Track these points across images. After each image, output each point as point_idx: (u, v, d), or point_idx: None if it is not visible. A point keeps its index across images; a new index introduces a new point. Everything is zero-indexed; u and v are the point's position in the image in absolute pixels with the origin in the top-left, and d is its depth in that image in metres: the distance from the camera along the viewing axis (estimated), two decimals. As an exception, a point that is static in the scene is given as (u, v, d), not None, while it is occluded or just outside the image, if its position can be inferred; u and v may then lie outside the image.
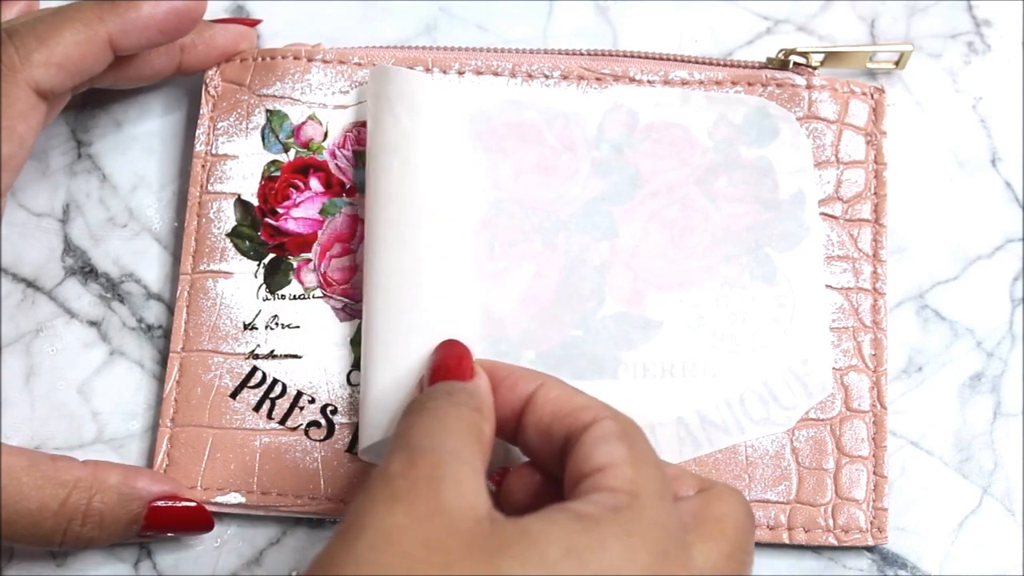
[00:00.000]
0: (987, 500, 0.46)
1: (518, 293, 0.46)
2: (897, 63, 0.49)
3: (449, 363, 0.39)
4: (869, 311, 0.46)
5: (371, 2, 0.51)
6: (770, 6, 0.51)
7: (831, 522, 0.44)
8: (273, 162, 0.48)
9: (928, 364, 0.47)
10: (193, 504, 0.43)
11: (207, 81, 0.48)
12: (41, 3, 0.48)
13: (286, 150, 0.48)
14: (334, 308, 0.46)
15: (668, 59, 0.48)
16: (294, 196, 0.47)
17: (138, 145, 0.50)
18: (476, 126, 0.47)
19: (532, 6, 0.51)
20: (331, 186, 0.47)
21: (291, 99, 0.48)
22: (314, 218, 0.47)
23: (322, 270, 0.46)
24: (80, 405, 0.47)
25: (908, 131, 0.49)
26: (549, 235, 0.46)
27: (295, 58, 0.48)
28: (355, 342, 0.46)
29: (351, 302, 0.46)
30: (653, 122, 0.47)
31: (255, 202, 0.47)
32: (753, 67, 0.48)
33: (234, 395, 0.45)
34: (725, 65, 0.48)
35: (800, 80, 0.48)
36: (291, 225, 0.47)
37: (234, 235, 0.47)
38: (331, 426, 0.45)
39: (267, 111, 0.48)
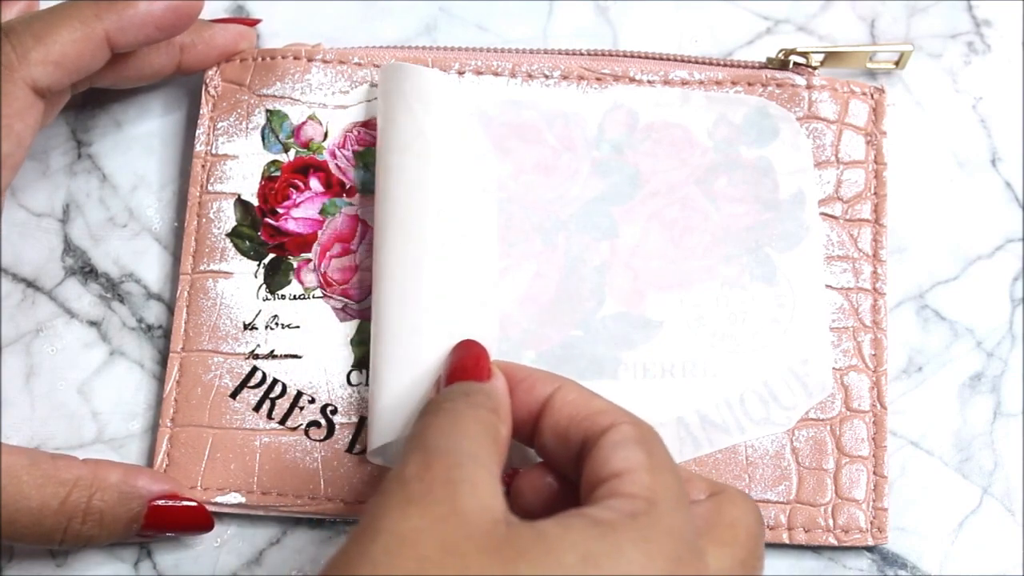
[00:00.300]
0: (987, 500, 0.46)
1: (518, 293, 0.46)
2: (897, 63, 0.49)
3: (467, 364, 0.39)
4: (869, 311, 0.46)
5: (371, 2, 0.51)
6: (770, 6, 0.51)
7: (831, 522, 0.44)
8: (273, 162, 0.48)
9: (928, 364, 0.47)
10: (193, 504, 0.43)
11: (207, 81, 0.48)
12: (41, 3, 0.48)
13: (286, 150, 0.48)
14: (334, 308, 0.46)
15: (668, 59, 0.48)
16: (294, 196, 0.47)
17: (138, 145, 0.50)
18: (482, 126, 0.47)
19: (532, 6, 0.51)
20: (331, 186, 0.47)
21: (291, 99, 0.48)
22: (314, 218, 0.47)
23: (322, 270, 0.46)
24: (80, 405, 0.47)
25: (908, 131, 0.49)
26: (549, 235, 0.46)
27: (295, 58, 0.48)
28: (355, 342, 0.46)
29: (351, 302, 0.46)
30: (653, 122, 0.47)
31: (255, 202, 0.47)
32: (753, 67, 0.48)
33: (234, 395, 0.45)
34: (725, 65, 0.48)
35: (800, 80, 0.48)
36: (291, 225, 0.47)
37: (234, 235, 0.47)
38: (331, 426, 0.45)
39: (267, 111, 0.48)
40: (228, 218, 0.47)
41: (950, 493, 0.46)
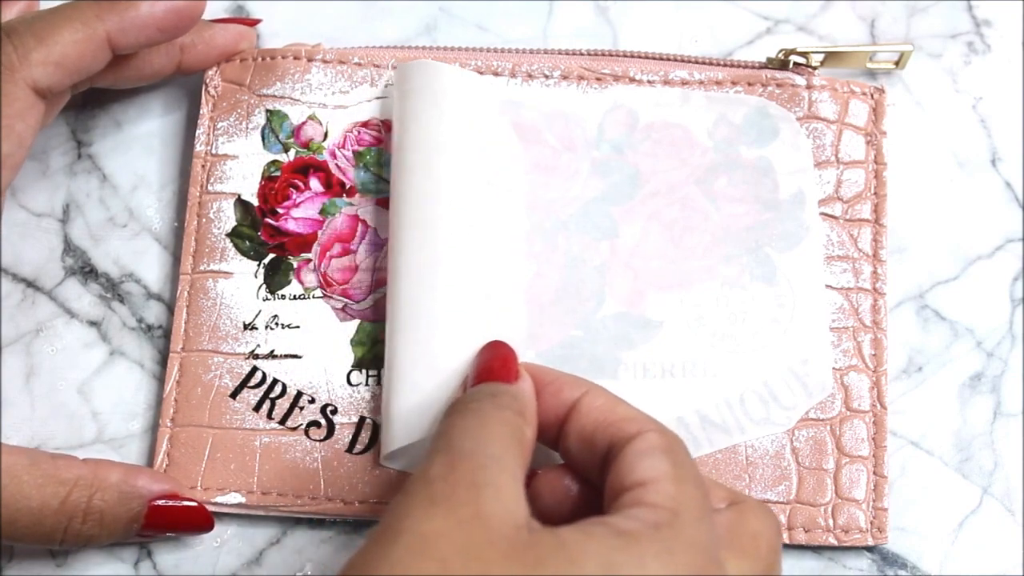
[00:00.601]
0: (987, 500, 0.46)
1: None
2: (897, 63, 0.49)
3: (494, 364, 0.39)
4: (869, 311, 0.46)
5: (371, 2, 0.51)
6: (770, 6, 0.51)
7: (831, 522, 0.44)
8: (273, 162, 0.48)
9: (928, 364, 0.47)
10: (194, 504, 0.43)
11: (207, 81, 0.48)
12: (41, 3, 0.48)
13: (286, 150, 0.48)
14: (334, 308, 0.46)
15: (668, 59, 0.48)
16: (294, 196, 0.47)
17: (138, 145, 0.50)
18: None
19: (532, 6, 0.51)
20: (331, 186, 0.47)
21: (291, 99, 0.48)
22: (314, 218, 0.47)
23: (322, 270, 0.46)
24: (80, 405, 0.47)
25: (908, 131, 0.49)
26: (549, 235, 0.46)
27: (295, 58, 0.48)
28: (355, 342, 0.46)
29: (351, 302, 0.46)
30: (653, 122, 0.47)
31: (255, 202, 0.47)
32: (753, 67, 0.48)
33: (234, 395, 0.45)
34: (725, 65, 0.48)
35: (800, 80, 0.48)
36: (291, 225, 0.47)
37: (234, 235, 0.47)
38: (331, 426, 0.45)
39: (267, 111, 0.48)
40: (228, 218, 0.47)
41: (950, 493, 0.46)
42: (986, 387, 0.47)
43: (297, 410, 0.45)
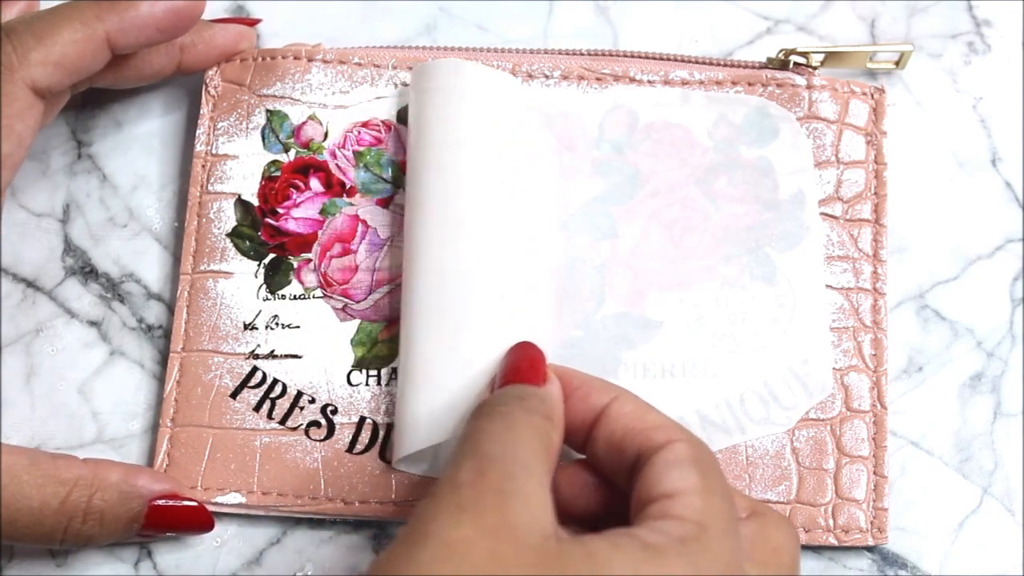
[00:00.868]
0: (987, 500, 0.46)
1: (518, 293, 0.46)
2: (897, 63, 0.49)
3: (522, 366, 0.39)
4: (869, 311, 0.46)
5: (371, 2, 0.51)
6: (770, 6, 0.51)
7: (831, 522, 0.44)
8: (273, 162, 0.48)
9: (928, 364, 0.47)
10: (194, 504, 0.43)
11: (207, 81, 0.48)
12: (42, 4, 0.48)
13: (286, 150, 0.48)
14: (334, 308, 0.46)
15: (668, 59, 0.48)
16: (294, 196, 0.47)
17: (138, 145, 0.50)
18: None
19: (532, 6, 0.51)
20: (331, 186, 0.47)
21: (291, 99, 0.48)
22: (314, 218, 0.47)
23: (322, 270, 0.46)
24: (80, 405, 0.47)
25: (908, 131, 0.49)
26: (549, 235, 0.46)
27: (295, 58, 0.48)
28: (355, 342, 0.46)
29: (351, 302, 0.46)
30: (653, 122, 0.47)
31: (255, 202, 0.47)
32: (753, 67, 0.48)
33: (234, 395, 0.45)
34: (725, 65, 0.48)
35: (800, 80, 0.48)
36: (291, 225, 0.47)
37: (234, 235, 0.47)
38: (331, 426, 0.45)
39: (267, 111, 0.48)
40: (228, 218, 0.47)
41: (950, 493, 0.46)
42: (986, 387, 0.47)
43: (297, 410, 0.45)
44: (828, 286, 0.46)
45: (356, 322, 0.46)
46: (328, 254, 0.47)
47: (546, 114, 0.47)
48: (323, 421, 0.45)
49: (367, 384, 0.45)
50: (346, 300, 0.46)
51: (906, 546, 0.45)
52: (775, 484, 0.44)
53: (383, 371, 0.45)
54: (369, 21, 0.51)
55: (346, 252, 0.47)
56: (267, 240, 0.47)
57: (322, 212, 0.47)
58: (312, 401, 0.45)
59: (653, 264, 0.46)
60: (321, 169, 0.47)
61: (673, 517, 0.33)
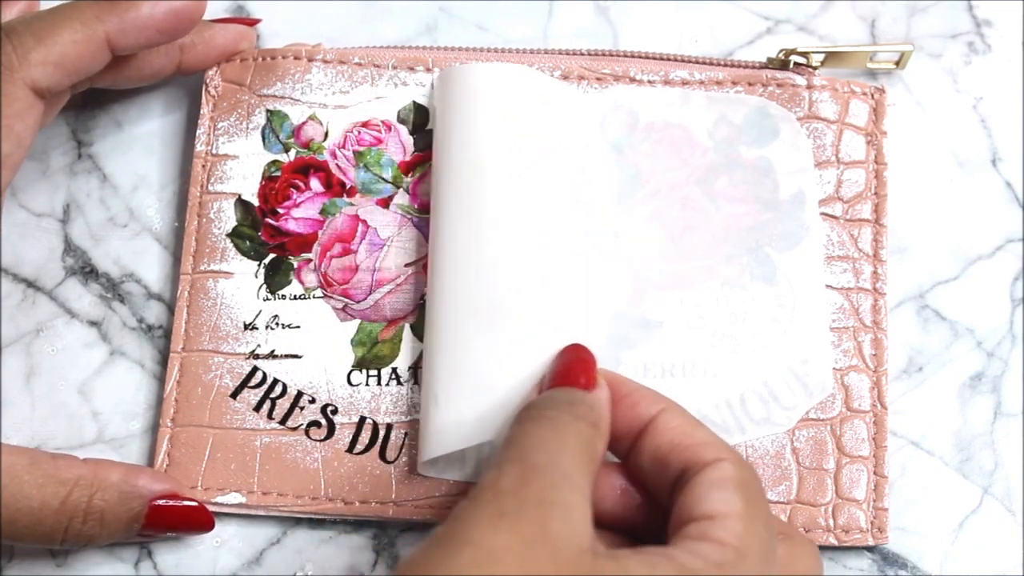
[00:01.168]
0: (987, 500, 0.46)
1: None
2: (897, 63, 0.49)
3: (574, 369, 0.39)
4: (869, 311, 0.46)
5: (371, 2, 0.51)
6: (770, 6, 0.51)
7: (831, 522, 0.44)
8: (273, 162, 0.48)
9: (928, 364, 0.47)
10: (194, 504, 0.43)
11: (207, 81, 0.48)
12: (42, 4, 0.48)
13: (286, 150, 0.48)
14: (335, 308, 0.46)
15: (668, 59, 0.48)
16: (294, 196, 0.47)
17: (138, 145, 0.50)
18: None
19: (532, 6, 0.51)
20: (331, 186, 0.47)
21: (291, 99, 0.48)
22: (314, 218, 0.47)
23: (322, 270, 0.46)
24: (80, 405, 0.47)
25: (908, 131, 0.49)
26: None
27: (295, 58, 0.48)
28: (355, 342, 0.46)
29: (351, 302, 0.46)
30: (653, 122, 0.47)
31: (255, 202, 0.47)
32: (753, 67, 0.48)
33: (234, 395, 0.45)
34: (725, 65, 0.48)
35: (800, 80, 0.48)
36: (291, 225, 0.47)
37: (234, 235, 0.47)
38: (331, 426, 0.45)
39: (267, 111, 0.48)
40: (228, 218, 0.47)
41: (950, 493, 0.46)
42: (986, 387, 0.47)
43: (297, 410, 0.45)
44: (828, 286, 0.46)
45: (356, 322, 0.46)
46: (328, 254, 0.47)
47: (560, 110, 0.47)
48: (323, 421, 0.45)
49: (367, 384, 0.45)
50: (346, 300, 0.46)
51: (906, 546, 0.45)
52: (775, 484, 0.44)
53: (383, 371, 0.45)
54: (369, 21, 0.51)
55: (346, 252, 0.47)
56: (267, 240, 0.47)
57: (322, 212, 0.47)
58: (312, 401, 0.45)
59: (653, 264, 0.46)
60: (321, 169, 0.47)
61: (712, 540, 0.33)
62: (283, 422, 0.45)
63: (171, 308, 0.48)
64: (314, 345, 0.46)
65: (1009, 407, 0.47)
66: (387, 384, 0.45)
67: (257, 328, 0.46)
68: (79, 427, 0.47)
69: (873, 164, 0.47)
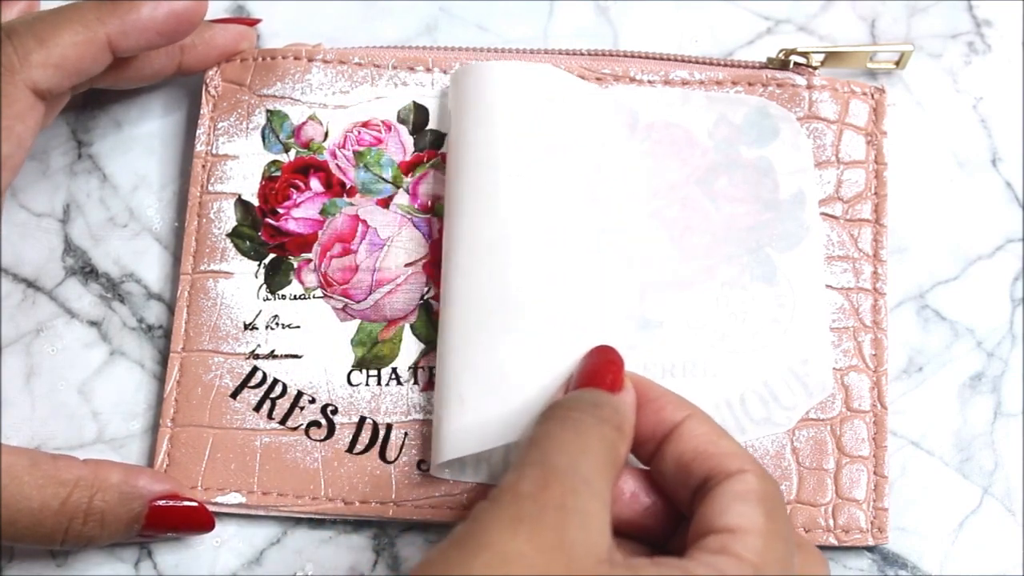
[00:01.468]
0: (987, 500, 0.46)
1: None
2: (897, 63, 0.49)
3: (601, 370, 0.38)
4: (869, 311, 0.46)
5: (371, 2, 0.51)
6: (770, 6, 0.51)
7: (831, 522, 0.44)
8: (273, 162, 0.48)
9: (928, 364, 0.47)
10: (194, 504, 0.43)
11: (207, 81, 0.48)
12: (42, 4, 0.48)
13: (286, 150, 0.48)
14: (335, 308, 0.46)
15: (668, 59, 0.48)
16: (294, 196, 0.47)
17: (138, 145, 0.50)
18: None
19: (532, 6, 0.51)
20: (331, 186, 0.47)
21: (291, 99, 0.48)
22: (314, 218, 0.47)
23: (322, 270, 0.46)
24: (80, 405, 0.47)
25: (908, 131, 0.49)
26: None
27: (295, 58, 0.48)
28: (355, 342, 0.46)
29: (351, 302, 0.46)
30: (653, 122, 0.47)
31: (255, 202, 0.47)
32: (753, 67, 0.48)
33: (234, 395, 0.45)
34: (725, 65, 0.48)
35: (800, 80, 0.48)
36: (291, 225, 0.47)
37: (234, 235, 0.47)
38: (331, 426, 0.45)
39: (267, 111, 0.48)
40: (228, 218, 0.47)
41: (950, 493, 0.46)
42: (986, 387, 0.47)
43: (297, 410, 0.45)
44: (828, 286, 0.46)
45: (356, 322, 0.46)
46: (328, 254, 0.47)
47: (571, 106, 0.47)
48: (323, 421, 0.45)
49: (367, 384, 0.45)
50: (346, 300, 0.46)
51: (906, 546, 0.46)
52: (775, 484, 0.44)
53: (383, 371, 0.45)
54: (369, 21, 0.51)
55: (346, 252, 0.47)
56: (267, 240, 0.47)
57: (322, 212, 0.47)
58: (312, 401, 0.45)
59: (653, 264, 0.46)
60: (321, 169, 0.47)
61: (731, 554, 0.33)
62: (283, 422, 0.45)
63: (171, 308, 0.48)
64: (314, 345, 0.46)
65: (1009, 407, 0.47)
66: (387, 384, 0.45)
67: (257, 328, 0.46)
68: (79, 427, 0.47)
69: (873, 164, 0.47)
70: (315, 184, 0.47)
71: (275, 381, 0.46)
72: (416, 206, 0.47)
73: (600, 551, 0.32)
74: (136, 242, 0.49)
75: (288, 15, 0.51)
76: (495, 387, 0.41)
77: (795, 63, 0.48)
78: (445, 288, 0.43)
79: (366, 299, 0.46)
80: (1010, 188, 0.49)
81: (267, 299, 0.46)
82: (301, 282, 0.46)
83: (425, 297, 0.46)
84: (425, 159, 0.47)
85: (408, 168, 0.47)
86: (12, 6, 0.46)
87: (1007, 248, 0.48)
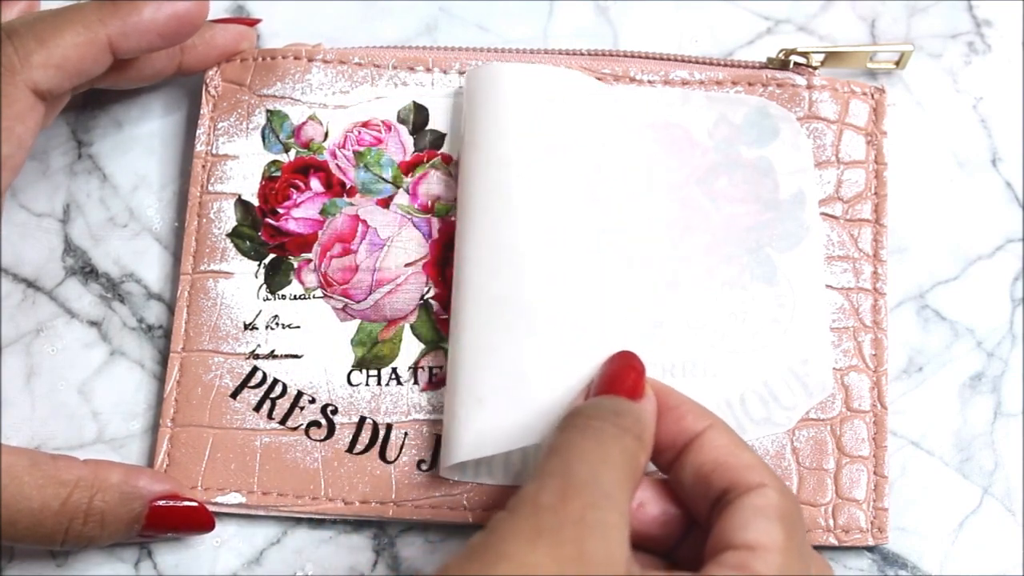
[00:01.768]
0: (987, 500, 0.46)
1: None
2: (897, 63, 0.49)
3: (623, 377, 0.38)
4: (869, 311, 0.46)
5: (371, 2, 0.51)
6: (770, 6, 0.51)
7: (831, 522, 0.44)
8: (273, 162, 0.48)
9: (928, 364, 0.47)
10: (194, 504, 0.43)
11: (207, 81, 0.48)
12: (42, 4, 0.48)
13: (286, 150, 0.48)
14: (334, 308, 0.46)
15: (668, 59, 0.48)
16: (294, 196, 0.47)
17: (139, 145, 0.50)
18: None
19: (532, 6, 0.51)
20: (331, 186, 0.47)
21: (291, 99, 0.48)
22: (314, 218, 0.47)
23: (322, 270, 0.46)
24: (80, 405, 0.47)
25: (908, 131, 0.49)
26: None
27: (295, 58, 0.48)
28: (355, 342, 0.46)
29: (351, 302, 0.46)
30: (653, 122, 0.47)
31: (255, 202, 0.47)
32: (753, 67, 0.48)
33: (234, 395, 0.45)
34: (725, 65, 0.48)
35: (800, 80, 0.48)
36: (291, 225, 0.47)
37: (235, 235, 0.47)
38: (331, 426, 0.45)
39: (267, 111, 0.48)
40: (228, 218, 0.47)
41: (950, 493, 0.46)
42: (986, 387, 0.47)
43: (297, 410, 0.45)
44: (828, 286, 0.46)
45: (356, 322, 0.46)
46: (328, 254, 0.47)
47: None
48: (323, 421, 0.45)
49: (367, 384, 0.45)
50: (346, 300, 0.46)
51: (906, 546, 0.46)
52: (775, 484, 0.44)
53: (383, 371, 0.45)
54: (369, 21, 0.51)
55: (346, 252, 0.47)
56: (267, 240, 0.47)
57: (322, 212, 0.47)
58: (312, 401, 0.45)
59: (653, 264, 0.46)
60: (321, 169, 0.47)
61: (751, 572, 0.33)
62: (283, 422, 0.45)
63: (171, 308, 0.48)
64: (314, 345, 0.46)
65: (1009, 407, 0.47)
66: (387, 384, 0.45)
67: (257, 328, 0.46)
68: (79, 427, 0.47)
69: (873, 164, 0.47)
70: (315, 184, 0.47)
71: (275, 381, 0.46)
72: (416, 206, 0.47)
73: (619, 565, 0.32)
74: (136, 242, 0.49)
75: (288, 15, 0.51)
76: (516, 389, 0.41)
77: (795, 63, 0.48)
78: (458, 289, 0.43)
79: (366, 299, 0.46)
80: (1010, 188, 0.49)
81: (267, 299, 0.46)
82: (301, 282, 0.46)
83: (425, 297, 0.46)
84: (425, 159, 0.47)
85: (408, 168, 0.47)
86: (12, 6, 0.46)
87: (1007, 248, 0.48)
